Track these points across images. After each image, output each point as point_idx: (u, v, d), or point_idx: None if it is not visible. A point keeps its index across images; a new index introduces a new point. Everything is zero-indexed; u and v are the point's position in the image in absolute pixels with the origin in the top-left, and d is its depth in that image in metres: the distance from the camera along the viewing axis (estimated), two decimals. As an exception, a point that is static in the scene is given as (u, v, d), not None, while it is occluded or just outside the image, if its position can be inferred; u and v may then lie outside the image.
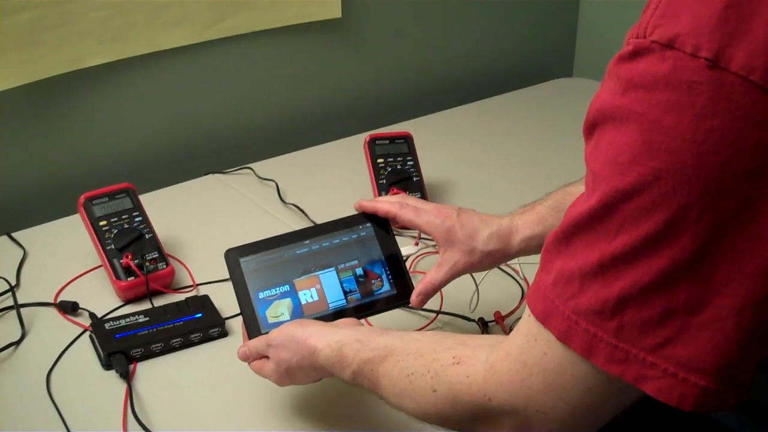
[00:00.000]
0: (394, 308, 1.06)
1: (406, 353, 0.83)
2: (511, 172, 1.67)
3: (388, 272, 1.05)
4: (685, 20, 0.57)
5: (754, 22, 0.55)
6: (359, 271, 1.04)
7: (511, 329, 1.16)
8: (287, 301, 1.01)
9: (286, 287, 1.01)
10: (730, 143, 0.56)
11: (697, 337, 0.60)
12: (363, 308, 1.02)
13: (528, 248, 1.03)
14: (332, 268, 1.03)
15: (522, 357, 0.70)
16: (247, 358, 0.97)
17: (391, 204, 1.05)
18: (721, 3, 0.56)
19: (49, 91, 1.49)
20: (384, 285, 1.05)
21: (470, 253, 1.02)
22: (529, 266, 1.26)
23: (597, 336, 0.63)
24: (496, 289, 1.22)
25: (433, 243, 1.28)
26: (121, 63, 1.54)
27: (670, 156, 0.57)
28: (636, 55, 0.60)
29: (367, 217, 1.07)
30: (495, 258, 1.04)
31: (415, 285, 1.05)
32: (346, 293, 1.03)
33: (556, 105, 2.02)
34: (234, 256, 1.01)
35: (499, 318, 1.19)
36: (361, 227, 1.06)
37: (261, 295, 1.00)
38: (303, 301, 1.01)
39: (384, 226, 1.07)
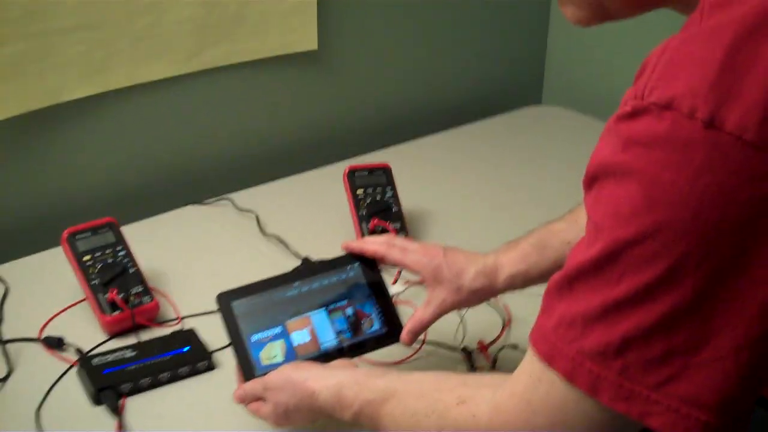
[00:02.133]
0: (385, 346, 1.09)
1: (407, 394, 0.85)
2: (488, 199, 1.70)
3: (378, 311, 1.08)
4: (681, 83, 0.60)
5: (745, 84, 0.59)
6: (349, 311, 1.07)
7: (494, 359, 1.19)
8: (280, 342, 1.02)
9: (279, 329, 1.03)
10: (726, 198, 0.59)
11: (698, 375, 0.63)
12: (354, 347, 1.05)
13: (513, 285, 1.06)
14: (323, 309, 1.05)
15: (526, 396, 0.72)
16: (244, 400, 1.00)
17: (378, 245, 1.08)
18: (715, 67, 0.59)
19: (29, 124, 1.49)
20: (374, 324, 1.07)
21: (457, 291, 1.05)
22: (509, 296, 1.28)
23: (601, 375, 0.66)
24: (478, 319, 1.25)
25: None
26: (101, 96, 1.54)
27: (669, 210, 0.61)
28: (634, 115, 0.63)
29: (354, 257, 1.09)
30: (481, 295, 1.07)
31: (402, 320, 1.08)
32: (337, 333, 1.05)
33: (528, 133, 2.05)
34: (226, 300, 1.03)
35: (483, 347, 1.21)
36: (349, 267, 1.09)
37: (254, 338, 1.02)
38: (295, 343, 1.03)
39: (371, 265, 1.10)
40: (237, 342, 1.01)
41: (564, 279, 0.70)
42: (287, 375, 0.95)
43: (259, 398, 0.98)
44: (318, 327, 1.04)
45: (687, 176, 0.60)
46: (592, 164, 0.67)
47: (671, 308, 0.63)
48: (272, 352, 1.01)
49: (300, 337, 1.03)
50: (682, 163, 0.60)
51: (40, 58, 1.44)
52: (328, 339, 1.04)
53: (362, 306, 1.07)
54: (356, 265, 1.09)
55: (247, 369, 1.00)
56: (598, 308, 0.66)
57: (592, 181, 0.67)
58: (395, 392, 0.86)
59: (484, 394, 0.78)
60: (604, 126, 0.68)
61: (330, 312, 1.06)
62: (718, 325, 0.62)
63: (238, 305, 1.03)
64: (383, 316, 1.08)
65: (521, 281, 1.06)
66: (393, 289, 1.14)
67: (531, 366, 0.72)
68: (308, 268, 1.09)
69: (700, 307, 0.62)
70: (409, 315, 1.08)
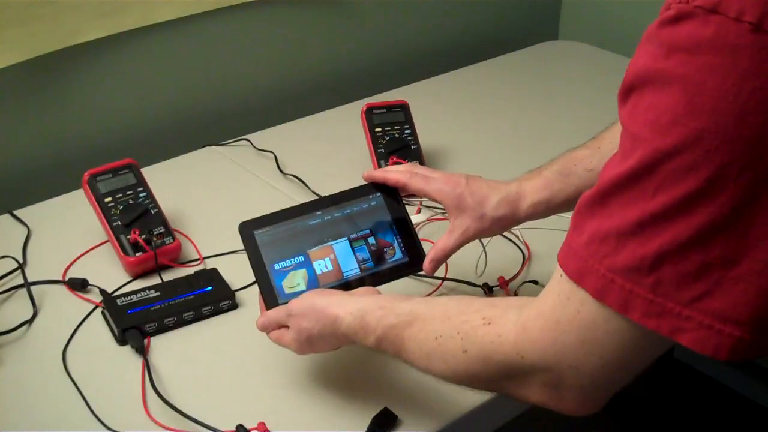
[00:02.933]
0: (407, 275, 1.08)
1: (432, 317, 0.85)
2: (505, 135, 1.69)
3: (400, 240, 1.07)
4: None
5: None
6: (371, 240, 1.06)
7: (515, 293, 1.19)
8: (302, 271, 1.02)
9: (301, 258, 1.03)
10: None
11: (732, 290, 0.63)
12: (377, 276, 1.04)
13: (536, 213, 1.06)
14: (345, 238, 1.05)
15: (555, 315, 0.72)
16: (266, 328, 0.99)
17: (400, 173, 1.07)
18: None
19: (45, 67, 1.48)
20: (396, 253, 1.07)
21: (480, 219, 1.04)
22: (529, 231, 1.29)
23: (633, 292, 0.66)
24: (498, 255, 1.24)
25: (441, 210, 1.31)
26: (116, 37, 1.53)
27: (713, 116, 0.60)
28: (679, 20, 0.62)
29: (376, 186, 1.09)
30: (504, 223, 1.06)
31: (424, 252, 1.07)
32: (359, 262, 1.05)
33: (544, 68, 2.04)
34: (248, 229, 1.03)
35: (503, 283, 1.21)
36: (371, 197, 1.08)
37: (276, 267, 1.02)
38: (318, 271, 1.03)
39: (393, 195, 1.09)
40: (259, 271, 1.01)
41: (596, 195, 0.68)
42: (311, 301, 0.95)
43: (281, 326, 0.98)
44: (340, 256, 1.04)
45: (733, 81, 0.59)
46: (629, 74, 0.66)
47: (709, 220, 0.62)
48: (295, 280, 1.02)
49: (322, 265, 1.03)
50: (727, 68, 0.59)
51: (53, 1, 1.43)
52: (351, 268, 1.04)
53: (384, 235, 1.07)
54: (378, 194, 1.08)
55: (270, 297, 1.00)
56: (632, 222, 0.65)
57: (629, 91, 0.66)
58: (419, 315, 0.86)
59: (510, 315, 0.78)
60: (643, 35, 0.66)
61: (352, 241, 1.05)
62: (755, 238, 0.61)
63: (261, 234, 1.03)
64: (405, 246, 1.07)
65: (544, 209, 1.06)
66: (415, 219, 1.12)
67: (559, 286, 0.72)
68: (330, 198, 1.07)
69: (739, 219, 0.61)
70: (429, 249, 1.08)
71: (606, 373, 0.72)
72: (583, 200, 0.71)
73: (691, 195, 0.62)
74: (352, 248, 1.05)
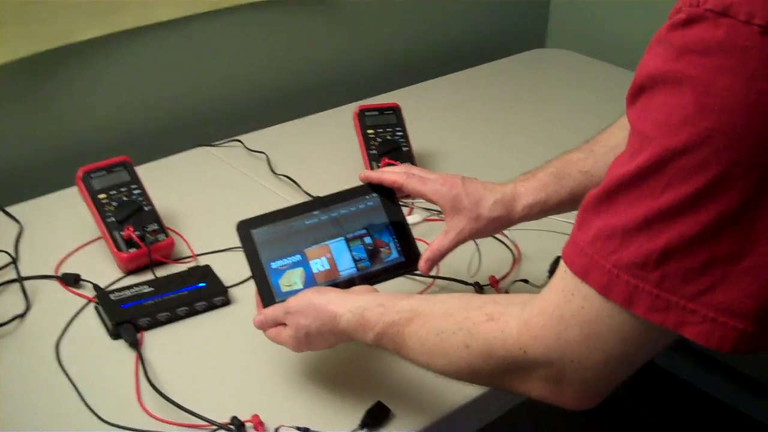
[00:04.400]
0: (403, 275, 1.10)
1: (433, 314, 0.86)
2: (494, 140, 1.71)
3: (396, 240, 1.08)
4: None
5: None
6: (368, 239, 1.07)
7: (506, 291, 1.21)
8: (299, 270, 1.03)
9: (298, 257, 1.04)
10: None
11: (738, 284, 0.64)
12: (373, 275, 1.05)
13: (530, 214, 1.07)
14: (341, 238, 1.06)
15: (558, 311, 0.74)
16: (263, 325, 1.00)
17: (397, 174, 1.08)
18: None
19: (42, 65, 1.49)
20: (392, 253, 1.08)
21: (476, 220, 1.05)
22: (518, 232, 1.31)
23: (638, 287, 0.67)
24: (488, 255, 1.26)
25: (436, 211, 1.32)
26: (111, 37, 1.54)
27: (723, 116, 0.61)
28: (689, 23, 0.63)
29: (372, 187, 1.10)
30: (499, 224, 1.07)
31: (419, 252, 1.09)
32: (356, 261, 1.06)
33: (533, 74, 2.06)
34: (246, 228, 1.03)
35: (494, 282, 1.23)
36: (367, 197, 1.09)
37: (273, 265, 1.02)
38: (315, 270, 1.04)
39: (389, 195, 1.10)
40: (257, 269, 1.02)
41: (603, 192, 0.70)
42: (309, 299, 0.96)
43: (278, 324, 0.99)
44: (337, 255, 1.05)
45: (742, 81, 0.61)
46: (639, 75, 0.67)
47: (716, 217, 0.63)
48: (292, 279, 1.03)
49: (319, 264, 1.04)
50: (737, 69, 0.61)
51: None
52: (347, 267, 1.05)
53: (380, 235, 1.08)
54: (374, 195, 1.10)
55: (267, 295, 1.01)
56: (639, 219, 0.66)
57: (638, 92, 0.68)
58: (420, 312, 0.87)
59: (512, 310, 0.79)
60: (652, 37, 0.68)
61: (348, 240, 1.06)
62: (760, 233, 0.63)
63: (258, 233, 1.03)
64: (401, 245, 1.09)
65: (539, 210, 1.07)
66: (410, 219, 1.14)
67: (563, 282, 0.73)
68: (326, 198, 1.09)
69: (745, 216, 0.63)
70: (425, 249, 1.10)
71: (608, 368, 0.73)
72: (589, 198, 0.72)
73: (699, 192, 0.63)
74: (349, 247, 1.06)
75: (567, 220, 1.36)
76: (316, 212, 1.07)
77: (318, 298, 0.96)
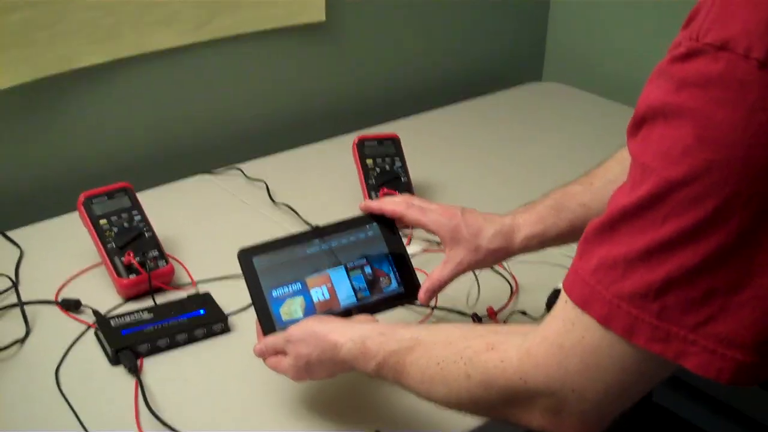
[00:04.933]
0: (402, 305, 1.10)
1: (434, 343, 0.86)
2: (492, 171, 1.72)
3: (396, 271, 1.09)
4: (737, 25, 0.62)
5: None
6: (368, 269, 1.08)
7: (504, 323, 1.22)
8: (300, 299, 1.04)
9: (299, 285, 1.04)
10: None
11: (737, 315, 0.65)
12: (373, 306, 1.06)
13: (529, 246, 1.08)
14: (342, 267, 1.07)
15: (559, 340, 0.74)
16: (264, 354, 1.01)
17: (397, 204, 1.09)
18: None
19: (42, 91, 1.50)
20: (392, 283, 1.08)
21: (475, 251, 1.06)
22: (516, 264, 1.32)
23: (639, 318, 0.68)
24: (485, 286, 1.26)
25: (436, 241, 1.33)
26: (112, 64, 1.55)
27: (722, 148, 0.63)
28: (689, 57, 0.65)
29: (372, 217, 1.11)
30: (498, 256, 1.08)
31: (419, 282, 1.09)
32: (356, 291, 1.06)
33: (530, 107, 2.08)
34: (247, 256, 1.04)
35: (492, 313, 1.23)
36: (368, 227, 1.10)
37: (274, 294, 1.03)
38: (315, 299, 1.04)
39: (390, 226, 1.11)
40: (257, 297, 1.03)
41: (605, 223, 0.71)
42: (310, 327, 0.96)
43: (279, 352, 0.99)
44: (337, 284, 1.06)
45: (741, 114, 0.62)
46: (640, 107, 0.69)
47: (716, 248, 0.64)
48: (292, 307, 1.03)
49: (319, 293, 1.05)
50: (736, 101, 0.62)
51: (50, 25, 1.45)
52: (347, 296, 1.06)
53: (380, 265, 1.09)
54: (374, 224, 1.10)
55: (268, 324, 1.02)
56: (641, 250, 0.67)
57: (640, 123, 0.69)
58: (421, 341, 0.88)
59: (513, 340, 0.80)
60: (652, 71, 0.69)
61: (349, 270, 1.07)
62: (760, 264, 0.64)
63: (259, 261, 1.04)
64: (401, 276, 1.09)
65: (537, 242, 1.08)
66: (410, 249, 1.15)
67: (564, 312, 0.74)
68: (327, 227, 1.09)
69: (744, 247, 0.64)
70: (424, 279, 1.10)
71: (608, 398, 0.74)
72: (590, 228, 0.73)
73: (699, 224, 0.64)
74: (349, 277, 1.07)
75: (565, 253, 1.37)
76: (317, 241, 1.07)
77: (319, 326, 0.96)
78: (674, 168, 0.65)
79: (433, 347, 0.86)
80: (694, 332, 0.66)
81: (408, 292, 1.09)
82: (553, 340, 0.75)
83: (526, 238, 1.07)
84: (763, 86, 0.61)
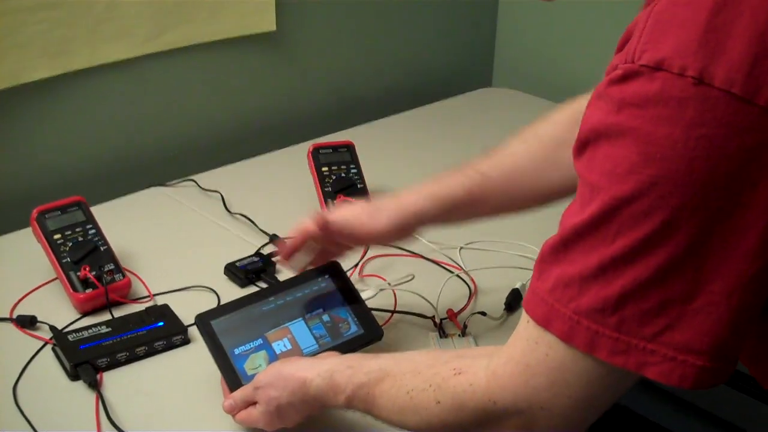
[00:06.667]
0: (365, 346, 1.12)
1: (402, 373, 0.87)
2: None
3: (353, 315, 1.13)
4: (669, 44, 0.64)
5: (730, 41, 0.63)
6: (326, 317, 1.11)
7: (464, 325, 1.22)
8: (263, 352, 1.06)
9: (260, 341, 1.07)
10: (717, 148, 0.63)
11: (692, 322, 0.67)
12: (335, 350, 1.06)
13: (426, 211, 1.12)
14: (300, 318, 1.10)
15: (524, 359, 0.75)
16: (234, 409, 1.00)
17: (309, 222, 1.12)
18: (701, 27, 0.63)
19: (-8, 106, 1.48)
20: (351, 327, 1.12)
21: (377, 222, 1.10)
22: (475, 269, 1.36)
23: (599, 332, 0.69)
24: (446, 291, 1.28)
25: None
26: (63, 77, 1.54)
27: (665, 163, 0.64)
28: (626, 79, 0.66)
29: (322, 269, 1.15)
30: (401, 227, 1.12)
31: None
32: (317, 339, 1.09)
33: (480, 112, 2.10)
34: (205, 320, 1.06)
35: (452, 315, 1.24)
36: (319, 279, 1.14)
37: (236, 351, 1.05)
38: (278, 351, 1.07)
39: (339, 274, 1.15)
40: (220, 357, 1.04)
41: (559, 242, 0.72)
42: (277, 370, 0.97)
43: (248, 403, 0.99)
44: (298, 335, 1.09)
45: (681, 130, 0.64)
46: (583, 130, 0.70)
47: (667, 260, 0.66)
48: (256, 362, 1.05)
49: (281, 345, 1.07)
50: (675, 118, 0.64)
51: (0, 38, 1.44)
52: (309, 344, 1.09)
53: (337, 312, 1.12)
54: (326, 276, 1.14)
55: (233, 380, 1.03)
56: (594, 267, 0.69)
57: (583, 145, 0.71)
58: (389, 372, 0.88)
59: (480, 363, 0.81)
60: (592, 94, 0.71)
61: (307, 321, 1.10)
62: (710, 272, 0.66)
63: (217, 323, 1.06)
64: (358, 319, 1.13)
65: (437, 208, 1.12)
66: (364, 294, 1.18)
67: (527, 331, 0.75)
68: (280, 284, 1.14)
69: (694, 257, 0.66)
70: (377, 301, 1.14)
71: (576, 412, 0.75)
72: (545, 248, 0.74)
73: (649, 237, 0.66)
74: (308, 327, 1.10)
75: (522, 254, 1.39)
76: (272, 298, 1.10)
77: (286, 367, 0.97)
78: (621, 185, 0.67)
79: (401, 377, 0.87)
80: (653, 342, 0.68)
81: (368, 333, 1.12)
82: (519, 360, 0.76)
83: (421, 205, 1.12)
84: (699, 102, 0.63)
